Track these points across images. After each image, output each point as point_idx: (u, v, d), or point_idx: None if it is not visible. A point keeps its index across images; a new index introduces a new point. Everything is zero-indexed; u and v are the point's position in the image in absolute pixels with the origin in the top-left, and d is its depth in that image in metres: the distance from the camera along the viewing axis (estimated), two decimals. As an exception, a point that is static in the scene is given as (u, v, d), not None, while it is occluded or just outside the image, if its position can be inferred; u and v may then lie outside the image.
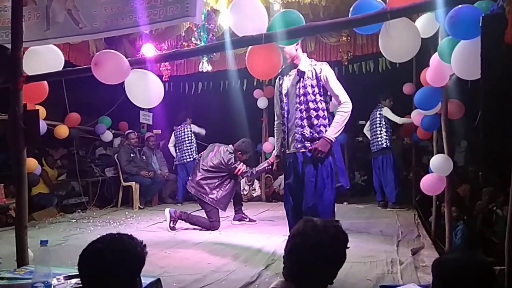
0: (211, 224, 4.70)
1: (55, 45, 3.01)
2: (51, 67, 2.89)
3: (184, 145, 6.99)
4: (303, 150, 3.07)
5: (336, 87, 3.08)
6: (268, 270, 3.09)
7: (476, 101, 2.02)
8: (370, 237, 4.12)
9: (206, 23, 4.91)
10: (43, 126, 4.80)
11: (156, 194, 7.14)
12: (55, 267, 2.04)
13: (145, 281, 1.80)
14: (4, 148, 5.46)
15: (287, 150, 3.20)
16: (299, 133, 3.07)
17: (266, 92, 7.06)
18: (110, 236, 1.45)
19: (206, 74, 6.51)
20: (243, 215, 5.22)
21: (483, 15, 1.96)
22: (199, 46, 4.80)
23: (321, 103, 3.08)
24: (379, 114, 5.98)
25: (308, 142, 3.05)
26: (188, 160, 6.91)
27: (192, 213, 4.97)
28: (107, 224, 5.23)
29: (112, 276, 1.36)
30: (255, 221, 5.23)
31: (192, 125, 7.09)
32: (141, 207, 6.59)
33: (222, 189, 4.80)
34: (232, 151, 4.87)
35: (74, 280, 1.96)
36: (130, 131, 7.13)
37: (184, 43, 5.54)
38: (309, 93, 3.06)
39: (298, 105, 3.09)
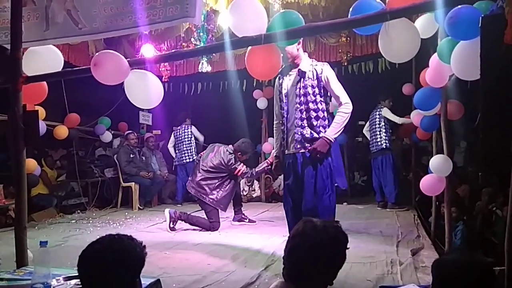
0: (211, 225, 4.70)
1: (54, 45, 3.00)
2: (50, 67, 2.89)
3: (184, 146, 6.99)
4: (302, 150, 3.06)
5: (337, 88, 3.07)
6: (267, 270, 3.09)
7: (476, 101, 2.02)
8: (370, 238, 4.12)
9: (205, 24, 4.91)
10: (42, 126, 4.80)
11: (156, 194, 7.14)
12: (55, 268, 2.04)
13: (145, 282, 1.80)
14: (4, 149, 5.46)
15: (286, 151, 3.19)
16: (299, 133, 3.06)
17: (265, 92, 7.06)
18: (109, 237, 1.45)
19: (205, 75, 6.51)
20: (242, 216, 5.22)
21: (482, 15, 1.96)
22: (198, 46, 4.80)
23: (321, 104, 3.07)
24: (379, 114, 5.98)
25: (308, 143, 3.04)
26: (188, 160, 6.91)
27: (192, 214, 4.97)
28: (106, 225, 5.23)
29: (112, 277, 1.36)
30: (254, 221, 5.23)
31: (193, 127, 7.09)
32: (141, 207, 6.58)
33: (222, 189, 4.80)
34: (232, 152, 4.87)
35: (73, 281, 1.95)
36: (130, 131, 7.13)
37: (183, 43, 5.53)
38: (309, 94, 3.05)
39: (298, 105, 3.07)
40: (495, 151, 1.89)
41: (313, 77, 3.06)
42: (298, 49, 3.10)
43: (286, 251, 1.54)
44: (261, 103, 7.15)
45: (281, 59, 2.88)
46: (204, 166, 4.84)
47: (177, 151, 7.09)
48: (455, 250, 3.63)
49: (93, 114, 7.12)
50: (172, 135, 7.19)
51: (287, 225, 3.27)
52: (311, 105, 3.05)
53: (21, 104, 2.62)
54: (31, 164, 4.62)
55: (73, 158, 6.47)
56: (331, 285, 1.52)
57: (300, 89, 3.07)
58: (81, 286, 1.43)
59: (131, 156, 6.76)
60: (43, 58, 2.92)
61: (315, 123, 3.05)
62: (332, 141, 3.00)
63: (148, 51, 5.66)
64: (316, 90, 3.06)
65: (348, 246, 1.54)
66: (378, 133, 5.96)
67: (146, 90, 2.82)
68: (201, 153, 5.22)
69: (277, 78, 3.26)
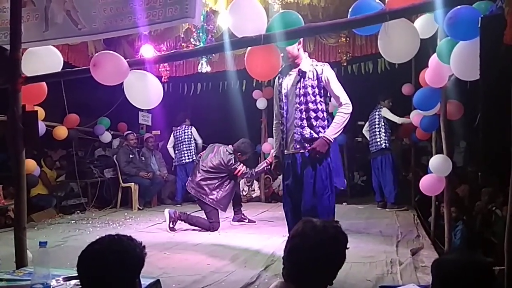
0: (211, 225, 4.70)
1: (54, 46, 2.99)
2: (50, 68, 2.88)
3: (183, 146, 6.99)
4: (302, 150, 3.05)
5: (337, 88, 3.06)
6: (267, 271, 3.09)
7: (475, 101, 2.02)
8: (370, 238, 4.12)
9: (205, 24, 4.91)
10: (42, 127, 4.80)
11: (155, 195, 7.14)
12: (54, 268, 2.04)
13: (145, 282, 1.79)
14: (3, 149, 5.45)
15: (285, 151, 3.17)
16: (298, 133, 3.05)
17: (265, 93, 7.06)
18: (109, 237, 1.45)
19: (205, 75, 6.51)
20: (242, 216, 5.22)
21: (482, 16, 1.96)
22: (198, 47, 4.79)
23: (320, 104, 3.06)
24: (378, 114, 5.99)
25: (307, 143, 3.03)
26: (187, 161, 6.91)
27: (192, 214, 4.97)
28: (106, 225, 5.23)
29: (112, 277, 1.36)
30: (254, 221, 5.23)
31: (193, 128, 7.09)
32: (140, 208, 6.58)
33: (222, 189, 4.80)
34: (231, 152, 4.87)
35: (73, 282, 1.95)
36: (129, 132, 7.13)
37: (183, 44, 5.53)
38: (309, 94, 3.03)
39: (297, 105, 3.06)
40: (495, 151, 1.89)
41: (313, 77, 3.05)
42: (298, 49, 3.09)
43: (285, 251, 1.54)
44: (261, 103, 7.15)
45: (281, 59, 2.88)
46: (204, 167, 4.84)
47: (176, 151, 7.09)
48: (454, 250, 3.63)
49: (92, 114, 7.12)
50: (172, 135, 7.19)
51: (287, 225, 3.27)
52: (310, 105, 3.04)
53: (21, 104, 2.62)
54: (30, 165, 4.61)
55: (73, 158, 6.47)
56: (331, 285, 1.52)
57: (300, 89, 3.06)
58: (80, 286, 1.43)
59: (131, 156, 6.76)
60: (42, 59, 2.92)
61: (314, 123, 3.04)
62: (332, 141, 2.99)
63: (147, 51, 5.66)
64: (316, 90, 3.05)
65: (348, 246, 1.54)
66: (377, 133, 5.97)
67: (145, 91, 2.82)
68: (201, 154, 5.22)
69: (277, 77, 3.24)
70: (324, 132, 3.02)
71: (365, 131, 6.38)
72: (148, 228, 5.04)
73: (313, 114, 3.04)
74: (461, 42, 2.36)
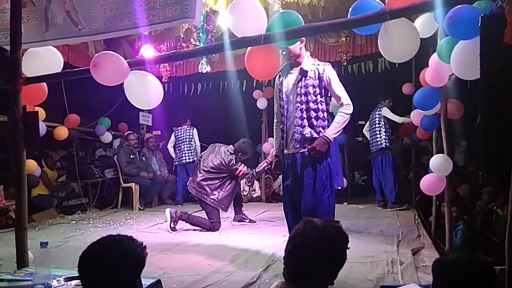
0: (212, 225, 4.70)
1: (54, 46, 2.99)
2: (50, 68, 2.89)
3: (185, 146, 6.99)
4: (302, 150, 3.04)
5: (338, 88, 3.05)
6: (268, 271, 3.10)
7: (476, 101, 2.02)
8: (370, 237, 4.12)
9: (205, 24, 4.91)
10: (42, 127, 4.81)
11: (156, 195, 7.14)
12: (55, 269, 2.04)
13: (146, 282, 1.80)
14: (4, 150, 5.46)
15: (285, 150, 3.16)
16: (298, 132, 3.03)
17: (265, 92, 7.06)
18: (110, 237, 1.45)
19: (205, 75, 6.51)
20: (243, 216, 5.22)
21: (482, 15, 1.96)
22: (198, 47, 4.80)
23: (321, 104, 3.05)
24: (379, 114, 5.99)
25: (308, 143, 3.01)
26: (188, 160, 6.92)
27: (193, 214, 4.97)
28: (107, 226, 5.23)
29: (113, 277, 1.36)
30: (255, 221, 5.23)
31: (195, 129, 7.09)
32: (141, 208, 6.58)
33: (223, 190, 4.80)
34: (232, 152, 4.87)
35: (74, 282, 1.96)
36: (130, 132, 7.13)
37: (183, 44, 5.53)
38: (310, 93, 3.02)
39: (298, 104, 3.04)
40: (495, 151, 1.89)
41: (315, 77, 3.04)
42: (300, 48, 3.07)
43: (286, 251, 1.54)
44: (261, 103, 7.15)
45: (283, 58, 2.87)
46: (205, 167, 4.84)
47: (177, 151, 7.09)
48: (455, 249, 3.63)
49: (93, 115, 7.13)
50: (173, 135, 7.19)
51: (287, 225, 3.27)
52: (311, 105, 3.02)
53: (21, 105, 2.62)
54: (31, 165, 4.62)
55: (73, 158, 6.48)
56: (331, 285, 1.52)
57: (301, 88, 3.04)
58: (81, 286, 1.43)
59: (131, 156, 6.76)
60: (42, 59, 2.92)
61: (315, 123, 3.02)
62: (332, 140, 2.98)
63: (147, 51, 5.66)
64: (317, 90, 3.03)
65: (348, 246, 1.54)
66: (378, 132, 5.96)
67: (145, 91, 2.82)
68: (202, 154, 5.22)
69: (277, 76, 3.21)
70: (325, 132, 3.02)
71: (365, 130, 6.38)
72: (149, 228, 5.04)
73: (313, 114, 3.03)
74: (461, 42, 2.36)
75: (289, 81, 3.14)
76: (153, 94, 2.85)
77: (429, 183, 3.71)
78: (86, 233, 4.72)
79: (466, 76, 2.51)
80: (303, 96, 3.04)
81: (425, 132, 4.50)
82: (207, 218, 4.76)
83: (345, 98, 3.04)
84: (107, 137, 7.10)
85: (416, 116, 4.60)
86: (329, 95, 3.12)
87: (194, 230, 4.74)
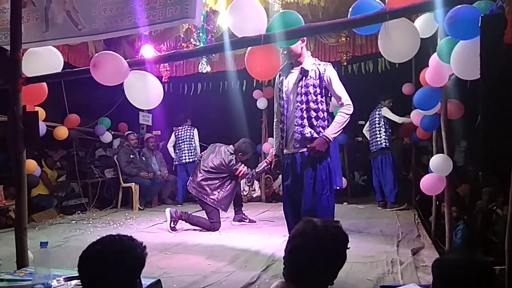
0: (212, 225, 4.70)
1: (54, 46, 3.00)
2: (50, 68, 2.89)
3: (184, 146, 6.99)
4: (301, 150, 3.03)
5: (339, 88, 3.04)
6: (268, 271, 3.10)
7: (476, 101, 2.02)
8: (370, 237, 4.12)
9: (205, 24, 4.91)
10: (42, 127, 4.81)
11: (156, 195, 7.14)
12: (55, 269, 2.04)
13: (145, 282, 1.80)
14: (4, 150, 5.46)
15: (285, 150, 3.16)
16: (298, 132, 3.03)
17: (265, 92, 7.06)
18: (110, 237, 1.45)
19: (205, 75, 6.51)
20: (243, 216, 5.22)
21: (482, 15, 1.96)
22: (198, 47, 4.80)
23: (321, 104, 3.04)
24: (378, 114, 5.99)
25: (308, 142, 3.01)
26: (188, 160, 6.92)
27: (193, 214, 4.97)
28: (107, 225, 5.23)
29: (112, 277, 1.36)
30: (255, 221, 5.23)
31: (195, 130, 7.09)
32: (141, 208, 6.58)
33: (223, 190, 4.79)
34: (232, 152, 4.86)
35: (74, 282, 1.95)
36: (130, 132, 7.13)
37: (183, 44, 5.53)
38: (310, 93, 3.01)
39: (298, 103, 3.03)
40: (495, 151, 1.89)
41: (316, 77, 3.03)
42: (302, 47, 3.07)
43: (286, 251, 1.54)
44: (261, 103, 7.15)
45: (283, 57, 2.87)
46: (205, 167, 4.84)
47: (177, 151, 7.09)
48: (455, 249, 3.63)
49: (93, 114, 7.13)
50: (173, 135, 7.19)
51: (287, 225, 3.27)
52: (311, 105, 3.02)
53: (21, 105, 2.62)
54: (31, 165, 4.62)
55: (73, 158, 6.48)
56: (331, 285, 1.52)
57: (301, 87, 3.03)
58: (81, 286, 1.43)
59: (131, 156, 6.76)
60: (42, 59, 2.92)
61: (315, 123, 3.02)
62: (331, 140, 2.97)
63: (147, 51, 5.66)
64: (318, 90, 3.03)
65: (348, 246, 1.54)
66: (377, 132, 5.97)
67: (145, 91, 2.82)
68: (202, 153, 5.22)
69: (277, 75, 3.20)
70: (324, 132, 3.02)
71: (365, 130, 6.38)
72: (148, 228, 5.04)
73: (313, 114, 3.03)
74: (461, 42, 2.36)
75: (289, 81, 3.13)
76: (153, 94, 2.85)
77: (429, 183, 3.71)
78: (86, 233, 4.72)
79: (466, 76, 2.51)
80: (303, 95, 3.03)
81: (425, 132, 4.50)
82: (207, 218, 4.76)
83: (346, 98, 3.04)
84: (107, 137, 7.10)
85: (416, 116, 4.60)
86: (329, 95, 3.12)
87: (194, 230, 4.74)
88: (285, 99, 3.14)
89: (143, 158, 7.02)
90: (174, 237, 4.45)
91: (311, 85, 3.02)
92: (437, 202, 4.31)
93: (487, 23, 1.86)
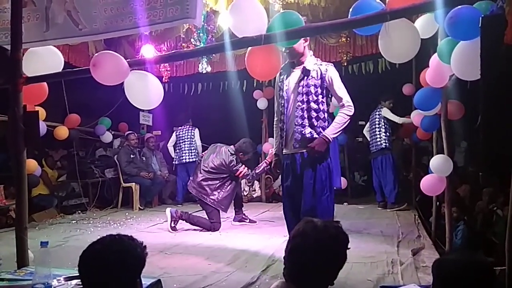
0: (212, 225, 4.70)
1: (54, 46, 3.00)
2: (50, 68, 2.89)
3: (185, 145, 6.99)
4: (301, 150, 3.02)
5: (340, 89, 3.02)
6: (268, 271, 3.10)
7: (476, 101, 2.02)
8: (371, 238, 4.12)
9: (205, 24, 4.92)
10: (43, 127, 4.81)
11: (156, 195, 7.14)
12: (55, 268, 2.04)
13: (146, 282, 1.80)
14: (4, 149, 5.46)
15: (284, 150, 3.14)
16: (299, 132, 3.01)
17: (265, 93, 7.06)
18: (110, 237, 1.45)
19: (205, 75, 6.52)
20: (243, 216, 5.22)
21: (482, 15, 1.96)
22: (198, 47, 4.80)
23: (322, 104, 3.02)
24: (379, 114, 5.99)
25: (308, 143, 2.98)
26: (188, 160, 6.91)
27: (193, 214, 4.97)
28: (107, 225, 5.23)
29: (113, 277, 1.36)
30: (255, 222, 5.23)
31: (196, 130, 7.09)
32: (141, 208, 6.58)
33: (223, 190, 4.80)
34: (233, 152, 4.86)
35: (74, 281, 1.96)
36: (130, 132, 7.13)
37: (183, 44, 5.54)
38: (311, 93, 2.99)
39: (299, 103, 3.01)
40: (496, 151, 1.90)
41: (317, 77, 3.01)
42: (304, 47, 3.05)
43: (286, 251, 1.53)
44: (261, 104, 7.15)
45: (284, 56, 2.86)
46: (205, 167, 4.84)
47: (177, 150, 7.08)
48: (455, 250, 3.63)
49: (93, 114, 7.13)
50: (174, 134, 7.18)
51: (287, 226, 3.26)
52: (312, 105, 2.99)
53: (21, 104, 2.62)
54: (31, 165, 4.62)
55: (74, 158, 6.48)
56: (332, 285, 1.52)
57: (302, 87, 3.01)
58: (81, 286, 1.43)
59: (132, 156, 6.76)
60: (43, 59, 2.92)
61: (315, 123, 3.00)
62: (331, 140, 2.95)
63: (148, 51, 5.66)
64: (319, 90, 3.01)
65: (348, 246, 1.54)
66: (378, 133, 5.97)
67: (146, 91, 2.82)
68: (202, 154, 5.22)
69: (278, 74, 3.16)
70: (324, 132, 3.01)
71: (365, 131, 6.38)
72: (149, 228, 5.04)
73: (314, 114, 3.00)
74: (461, 42, 2.36)
75: (290, 80, 3.11)
76: (153, 94, 2.85)
77: (429, 184, 3.71)
78: (86, 233, 4.72)
79: (467, 76, 2.51)
80: (304, 95, 3.00)
81: (426, 132, 4.50)
82: (207, 218, 4.76)
83: (347, 99, 3.02)
84: (107, 137, 7.11)
85: (416, 117, 4.60)
86: (330, 95, 3.10)
87: (194, 230, 4.74)
88: (285, 98, 3.11)
89: (144, 158, 7.02)
90: (174, 237, 4.45)
91: (312, 85, 3.00)
92: (437, 203, 4.30)
93: (488, 24, 1.86)
